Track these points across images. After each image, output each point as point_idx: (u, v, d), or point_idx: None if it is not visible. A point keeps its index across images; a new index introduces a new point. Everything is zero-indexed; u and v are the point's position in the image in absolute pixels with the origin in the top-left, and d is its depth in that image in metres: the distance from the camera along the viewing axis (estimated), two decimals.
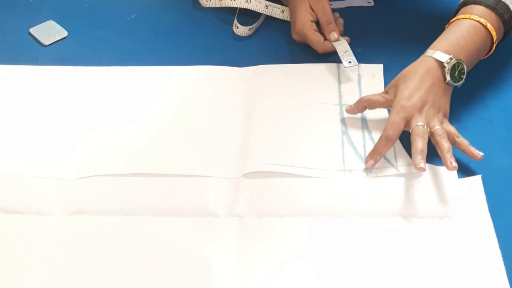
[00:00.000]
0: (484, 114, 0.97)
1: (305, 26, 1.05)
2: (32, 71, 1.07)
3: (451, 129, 0.91)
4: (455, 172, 0.89)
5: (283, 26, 1.12)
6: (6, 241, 0.85)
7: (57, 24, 1.15)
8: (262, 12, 1.11)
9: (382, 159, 0.91)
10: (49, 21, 1.16)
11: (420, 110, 0.90)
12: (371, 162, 0.90)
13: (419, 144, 0.87)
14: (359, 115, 0.97)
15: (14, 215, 0.88)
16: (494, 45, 0.96)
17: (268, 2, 1.11)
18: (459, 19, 0.95)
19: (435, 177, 0.89)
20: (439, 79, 0.92)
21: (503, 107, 0.98)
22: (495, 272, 0.80)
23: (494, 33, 0.94)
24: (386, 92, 0.94)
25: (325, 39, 1.06)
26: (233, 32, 1.12)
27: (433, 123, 0.90)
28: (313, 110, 0.98)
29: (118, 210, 0.88)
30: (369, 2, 1.16)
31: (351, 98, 0.99)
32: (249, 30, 1.11)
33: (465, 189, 0.88)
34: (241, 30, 1.11)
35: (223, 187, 0.89)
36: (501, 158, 0.92)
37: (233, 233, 0.85)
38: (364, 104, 0.95)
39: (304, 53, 1.06)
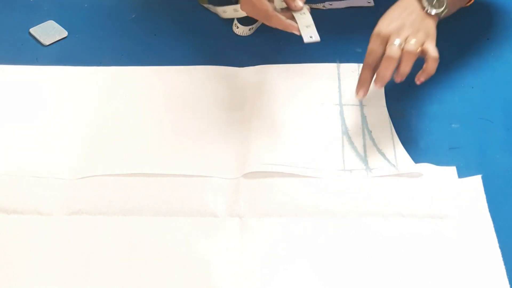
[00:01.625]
0: (484, 114, 0.97)
1: None
2: (32, 71, 1.07)
3: (430, 46, 0.89)
4: (455, 172, 0.89)
5: None
6: (6, 241, 0.85)
7: (57, 24, 1.15)
8: None
9: (383, 159, 0.91)
10: (49, 21, 1.16)
11: (397, 33, 0.89)
12: (361, 92, 0.92)
13: (365, 74, 0.91)
14: (359, 115, 0.97)
15: (14, 215, 0.88)
16: None
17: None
18: None
19: (435, 177, 0.89)
20: (419, 10, 0.92)
21: (503, 107, 0.98)
22: (495, 272, 0.80)
23: None
24: None
25: (281, 11, 0.96)
26: (233, 32, 1.12)
27: (410, 39, 0.89)
28: (313, 110, 0.98)
29: (118, 210, 0.88)
30: (369, 2, 1.16)
31: (351, 98, 0.99)
32: (249, 30, 1.11)
33: (465, 189, 0.88)
34: (241, 30, 1.11)
35: (223, 187, 0.89)
36: (501, 158, 0.92)
37: (233, 233, 0.85)
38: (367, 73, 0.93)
39: (304, 53, 1.06)
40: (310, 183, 0.89)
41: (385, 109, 0.98)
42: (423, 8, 0.92)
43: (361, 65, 1.03)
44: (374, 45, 0.90)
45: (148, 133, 0.97)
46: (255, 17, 0.98)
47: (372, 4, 1.16)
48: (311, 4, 1.09)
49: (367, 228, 0.84)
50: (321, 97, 1.00)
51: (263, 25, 1.12)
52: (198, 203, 0.88)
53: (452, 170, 0.90)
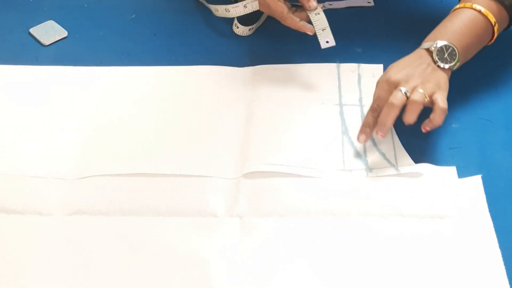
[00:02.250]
0: (484, 114, 0.97)
1: None
2: (32, 71, 1.07)
3: (440, 97, 0.88)
4: (455, 172, 0.89)
5: (283, 26, 1.11)
6: (6, 241, 0.85)
7: (57, 24, 1.15)
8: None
9: (382, 159, 0.91)
10: (49, 21, 1.16)
11: (406, 81, 0.89)
12: (362, 137, 0.91)
13: (369, 118, 0.91)
14: (359, 115, 0.97)
15: (14, 215, 0.88)
16: (496, 30, 0.95)
17: None
18: (455, 9, 0.95)
19: (435, 177, 0.89)
20: (430, 61, 0.91)
21: (503, 107, 0.99)
22: (495, 272, 0.80)
23: (491, 16, 0.93)
24: None
25: (295, 11, 1.01)
26: (233, 32, 1.12)
27: (417, 88, 0.88)
28: (313, 110, 0.98)
29: (118, 210, 0.88)
30: (369, 2, 1.16)
31: (351, 98, 0.99)
32: (249, 30, 1.11)
33: (465, 189, 0.88)
34: (241, 30, 1.11)
35: (223, 187, 0.89)
36: (501, 158, 0.92)
37: (233, 233, 0.85)
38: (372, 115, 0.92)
39: (304, 53, 1.06)
40: (310, 183, 0.89)
41: None
42: (435, 62, 0.91)
43: (361, 65, 1.04)
44: (381, 91, 0.90)
45: (148, 133, 0.97)
46: (273, 16, 1.02)
47: (372, 4, 1.16)
48: None
49: (367, 228, 0.84)
50: (321, 97, 1.00)
51: (263, 25, 1.13)
52: (198, 203, 0.88)
53: (452, 170, 0.90)
